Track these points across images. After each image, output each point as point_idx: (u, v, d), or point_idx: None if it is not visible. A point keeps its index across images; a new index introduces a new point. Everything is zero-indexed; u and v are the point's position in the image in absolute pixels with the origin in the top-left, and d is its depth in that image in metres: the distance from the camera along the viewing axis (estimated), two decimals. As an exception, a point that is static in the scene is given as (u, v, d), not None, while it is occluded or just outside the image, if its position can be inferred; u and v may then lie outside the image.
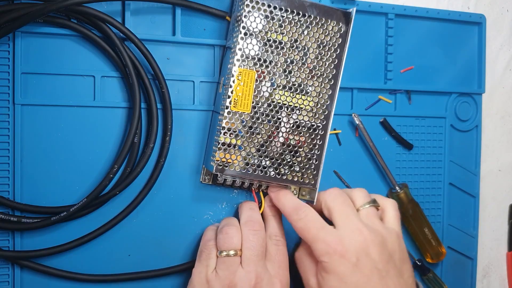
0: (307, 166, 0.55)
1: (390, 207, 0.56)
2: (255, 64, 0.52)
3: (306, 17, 0.53)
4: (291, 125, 0.54)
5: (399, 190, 0.63)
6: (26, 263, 0.51)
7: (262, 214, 0.56)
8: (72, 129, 0.53)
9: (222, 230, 0.53)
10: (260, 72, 0.52)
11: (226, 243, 0.52)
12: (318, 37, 0.54)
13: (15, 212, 0.51)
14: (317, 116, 0.54)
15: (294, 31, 0.53)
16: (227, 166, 0.52)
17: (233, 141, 0.52)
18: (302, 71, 0.54)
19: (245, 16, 0.51)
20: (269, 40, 0.52)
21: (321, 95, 0.54)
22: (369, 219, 0.53)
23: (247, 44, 0.52)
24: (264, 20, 0.52)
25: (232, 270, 0.51)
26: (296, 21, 0.53)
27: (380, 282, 0.50)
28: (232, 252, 0.51)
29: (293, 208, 0.53)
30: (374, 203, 0.55)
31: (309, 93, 0.54)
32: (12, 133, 0.51)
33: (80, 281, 0.53)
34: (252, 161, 0.53)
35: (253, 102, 0.52)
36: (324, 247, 0.50)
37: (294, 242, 0.58)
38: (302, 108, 0.54)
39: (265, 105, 0.53)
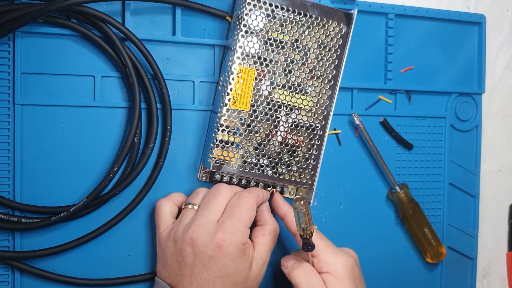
0: (304, 166, 0.55)
1: None
2: (255, 62, 0.52)
3: (308, 17, 0.53)
4: (290, 124, 0.54)
5: (399, 190, 0.63)
6: (23, 266, 0.51)
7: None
8: (72, 129, 0.53)
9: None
10: (260, 70, 0.52)
11: (192, 197, 0.53)
12: (319, 38, 0.54)
13: (15, 212, 0.51)
14: (316, 116, 0.54)
15: (295, 31, 0.53)
16: (224, 164, 0.52)
17: (231, 139, 0.52)
18: (302, 71, 0.54)
19: (246, 15, 0.51)
20: (269, 39, 0.52)
21: (320, 95, 0.54)
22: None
23: (248, 42, 0.52)
24: (265, 19, 0.52)
25: (183, 221, 0.51)
26: (297, 21, 0.53)
27: None
28: (195, 207, 0.52)
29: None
30: None
31: (309, 93, 0.54)
32: (12, 133, 0.51)
33: (79, 285, 0.53)
34: (250, 160, 0.53)
35: (252, 101, 0.52)
36: None
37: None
38: (301, 108, 0.54)
39: (264, 104, 0.53)
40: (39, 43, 0.52)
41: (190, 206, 0.52)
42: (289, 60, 0.53)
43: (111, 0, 0.53)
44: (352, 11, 0.54)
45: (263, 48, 0.52)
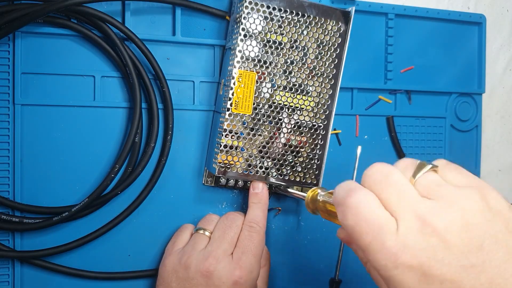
0: (309, 166, 0.55)
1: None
2: (255, 65, 0.52)
3: (305, 17, 0.53)
4: (292, 125, 0.54)
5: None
6: (34, 260, 0.51)
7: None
8: (72, 129, 0.53)
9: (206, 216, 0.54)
10: (260, 73, 0.52)
11: (204, 223, 0.53)
12: (318, 37, 0.54)
13: (15, 212, 0.51)
14: (318, 116, 0.54)
15: (293, 32, 0.53)
16: (229, 168, 0.52)
17: (235, 143, 0.52)
18: (302, 71, 0.54)
19: (244, 18, 0.51)
20: (268, 41, 0.52)
21: (321, 94, 0.54)
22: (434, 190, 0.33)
23: (247, 45, 0.51)
24: (264, 21, 0.52)
25: (196, 247, 0.50)
26: (295, 21, 0.53)
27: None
28: (207, 233, 0.52)
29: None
30: (431, 166, 0.34)
31: (310, 93, 0.54)
32: (12, 133, 0.51)
33: (84, 278, 0.53)
34: (254, 163, 0.53)
35: (254, 104, 0.52)
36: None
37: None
38: (303, 108, 0.54)
39: (266, 106, 0.53)
40: (39, 43, 0.52)
41: (201, 232, 0.52)
42: (289, 61, 0.53)
43: (111, 0, 0.53)
44: (350, 9, 0.54)
45: (263, 50, 0.52)
